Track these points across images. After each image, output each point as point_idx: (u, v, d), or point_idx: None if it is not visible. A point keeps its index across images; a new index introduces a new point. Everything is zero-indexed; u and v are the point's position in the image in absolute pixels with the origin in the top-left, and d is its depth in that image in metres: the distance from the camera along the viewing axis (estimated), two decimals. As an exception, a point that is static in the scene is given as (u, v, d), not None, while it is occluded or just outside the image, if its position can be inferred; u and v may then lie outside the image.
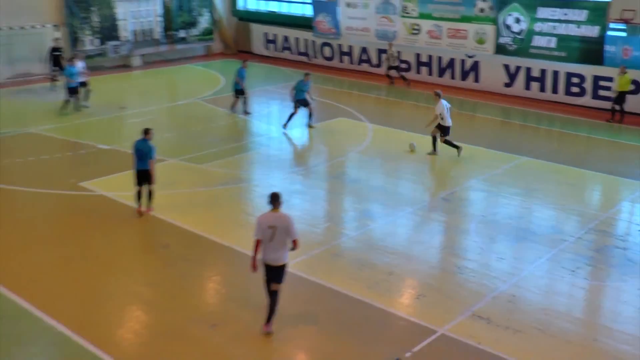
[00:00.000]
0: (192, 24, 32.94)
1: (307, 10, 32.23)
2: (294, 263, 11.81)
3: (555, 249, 12.77)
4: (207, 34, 33.75)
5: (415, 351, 9.40)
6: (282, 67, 31.17)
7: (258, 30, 33.95)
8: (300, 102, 20.60)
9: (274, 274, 9.68)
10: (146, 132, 13.87)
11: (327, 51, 31.38)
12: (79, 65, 22.83)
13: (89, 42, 29.22)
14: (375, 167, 17.54)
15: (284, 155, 18.52)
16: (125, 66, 30.77)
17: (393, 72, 27.98)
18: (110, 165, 17.09)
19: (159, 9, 31.52)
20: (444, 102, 18.19)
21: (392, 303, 10.75)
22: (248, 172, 17.18)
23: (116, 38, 30.10)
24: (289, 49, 32.91)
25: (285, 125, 20.48)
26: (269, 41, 33.70)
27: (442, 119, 18.03)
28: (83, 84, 22.86)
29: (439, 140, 18.28)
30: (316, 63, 31.70)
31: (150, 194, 13.98)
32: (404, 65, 28.79)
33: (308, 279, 11.38)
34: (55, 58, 25.84)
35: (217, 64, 31.98)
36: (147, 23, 31.26)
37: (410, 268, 11.95)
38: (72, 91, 22.31)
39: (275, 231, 9.47)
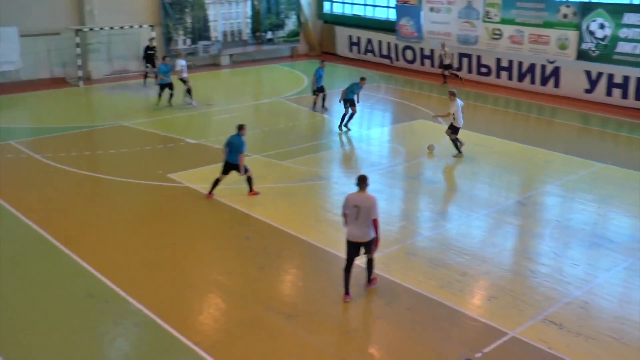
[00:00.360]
0: (279, 26, 33.29)
1: (391, 14, 32.08)
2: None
3: (632, 258, 12.27)
4: (293, 35, 34.04)
5: (486, 352, 9.21)
6: (365, 69, 31.12)
7: (342, 33, 34.01)
8: (348, 101, 20.41)
9: (363, 247, 10.32)
10: (240, 127, 14.65)
11: (409, 54, 31.16)
12: (181, 63, 23.21)
13: (182, 42, 29.97)
14: (451, 169, 17.30)
15: (363, 154, 18.49)
16: (214, 65, 31.39)
17: (446, 71, 27.97)
18: (196, 159, 17.46)
19: (248, 11, 32.00)
20: (459, 101, 17.91)
21: (464, 303, 10.57)
22: (327, 170, 17.22)
23: (207, 38, 30.74)
24: (372, 51, 32.84)
25: (346, 126, 20.43)
26: (352, 44, 33.71)
27: (454, 119, 17.81)
28: (184, 81, 23.29)
29: (448, 138, 18.19)
30: (398, 66, 31.53)
31: (249, 180, 14.82)
32: (484, 70, 28.34)
33: (383, 276, 11.32)
34: (149, 56, 26.61)
35: (302, 64, 32.21)
36: (236, 24, 31.78)
37: (483, 270, 11.72)
38: (163, 87, 22.94)
39: (359, 210, 10.08)
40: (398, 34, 31.08)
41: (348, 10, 34.57)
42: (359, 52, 33.48)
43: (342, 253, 12.02)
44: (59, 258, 11.80)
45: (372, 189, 15.19)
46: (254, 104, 24.38)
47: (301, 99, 24.46)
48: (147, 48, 26.68)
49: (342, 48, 34.28)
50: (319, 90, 22.80)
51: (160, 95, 23.11)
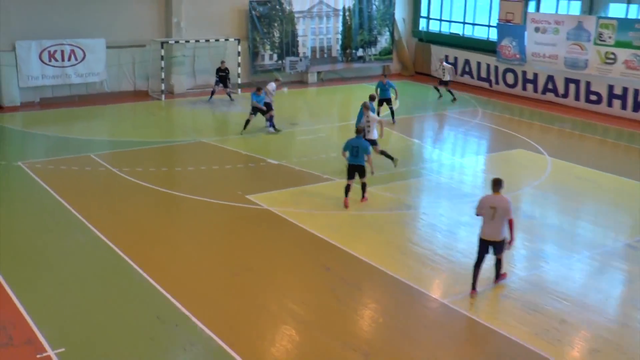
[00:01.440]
0: (371, 43, 33.41)
1: (492, 34, 31.71)
2: (455, 299, 11.58)
3: None
4: (386, 54, 34.09)
5: (584, 411, 8.81)
6: (461, 91, 30.79)
7: (438, 53, 33.79)
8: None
9: (493, 247, 11.78)
10: (360, 131, 16.07)
11: (509, 78, 30.64)
12: (271, 86, 23.15)
13: (268, 57, 30.47)
14: (552, 204, 16.81)
15: (455, 184, 18.21)
16: (300, 82, 31.73)
17: (442, 87, 28.44)
18: (278, 181, 17.63)
19: (339, 26, 32.28)
20: (372, 114, 18.28)
21: (563, 355, 10.16)
22: (416, 199, 17.06)
23: (294, 54, 31.15)
24: (469, 73, 32.48)
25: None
26: (448, 64, 33.39)
27: (368, 131, 17.99)
28: (268, 106, 22.53)
29: (377, 153, 18.16)
30: (497, 90, 31.03)
31: (363, 186, 16.14)
32: (593, 97, 27.54)
33: (471, 317, 11.05)
34: (222, 78, 26.67)
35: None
36: (326, 40, 32.09)
37: (584, 318, 11.26)
38: (255, 111, 22.26)
39: (495, 211, 11.54)
40: (499, 55, 30.65)
41: (445, 29, 34.40)
42: (455, 73, 33.14)
43: (428, 290, 11.94)
44: (130, 276, 12.10)
45: (462, 221, 15.12)
46: (341, 125, 24.46)
47: (391, 122, 24.37)
48: (219, 70, 26.77)
49: (437, 68, 34.05)
50: (386, 101, 23.89)
51: (248, 122, 22.31)
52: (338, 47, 32.46)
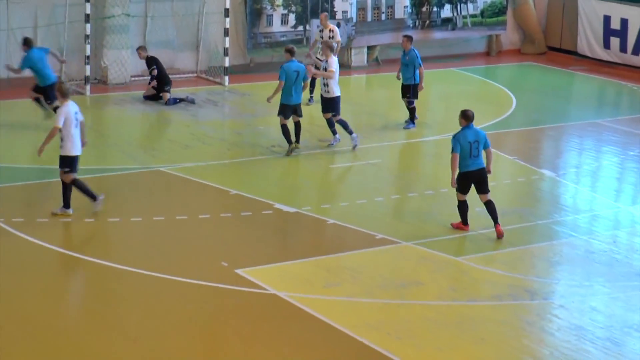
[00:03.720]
0: (467, -5, 33.55)
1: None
2: None
3: None
4: (495, 15, 34.16)
5: None
6: (630, 83, 30.58)
7: (592, 12, 33.73)
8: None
9: None
10: (470, 116, 17.28)
11: None
12: None
13: (279, 20, 30.60)
14: None
15: (622, 253, 17.92)
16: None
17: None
18: (292, 244, 17.75)
19: (409, -35, 32.46)
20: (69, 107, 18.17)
21: None
22: (545, 280, 16.80)
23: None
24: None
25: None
26: (610, 32, 33.22)
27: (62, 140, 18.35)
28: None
29: None
30: None
31: (490, 206, 17.51)
32: None
33: None
34: None
35: (507, 70, 32.29)
36: (386, -8, 32.27)
37: None
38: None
39: None
40: None
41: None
42: (622, 49, 32.94)
43: None
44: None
45: (635, 322, 14.73)
46: (408, 143, 24.41)
47: (501, 137, 24.24)
48: None
49: (588, 41, 33.98)
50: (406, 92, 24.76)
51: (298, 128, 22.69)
52: (407, 4, 32.50)
